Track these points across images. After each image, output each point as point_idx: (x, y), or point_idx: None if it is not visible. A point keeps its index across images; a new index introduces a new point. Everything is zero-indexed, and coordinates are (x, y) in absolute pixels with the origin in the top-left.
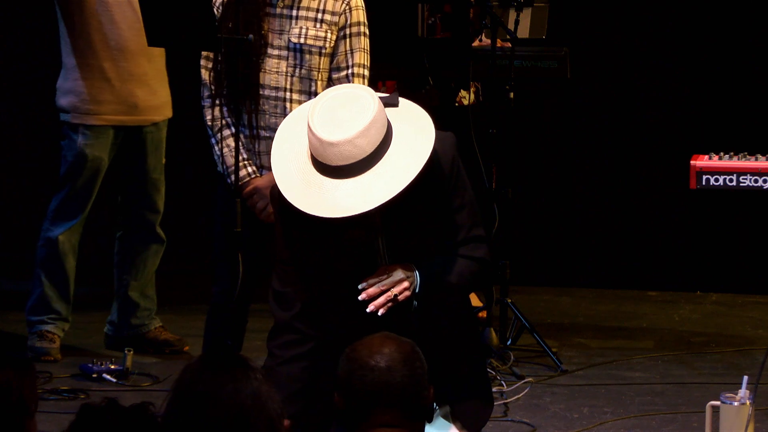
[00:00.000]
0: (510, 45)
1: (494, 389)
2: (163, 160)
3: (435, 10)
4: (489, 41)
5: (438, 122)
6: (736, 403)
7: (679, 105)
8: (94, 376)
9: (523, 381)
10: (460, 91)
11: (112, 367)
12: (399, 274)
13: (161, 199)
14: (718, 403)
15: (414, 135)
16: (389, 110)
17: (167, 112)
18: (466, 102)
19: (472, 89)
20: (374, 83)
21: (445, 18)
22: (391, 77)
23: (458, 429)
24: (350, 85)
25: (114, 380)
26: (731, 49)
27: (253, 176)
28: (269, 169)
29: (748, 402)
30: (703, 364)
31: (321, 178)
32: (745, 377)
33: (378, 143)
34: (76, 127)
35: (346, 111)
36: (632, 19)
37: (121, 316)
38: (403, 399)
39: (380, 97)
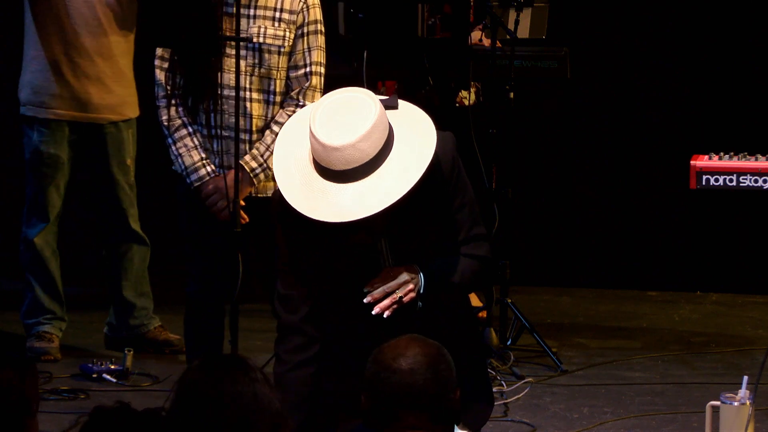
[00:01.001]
0: (500, 45)
1: (494, 389)
2: (128, 161)
3: (435, 11)
4: (489, 41)
5: (438, 122)
6: (736, 403)
7: (679, 105)
8: (94, 376)
9: (523, 381)
10: (460, 91)
11: (112, 367)
12: (404, 276)
13: (129, 200)
14: (718, 403)
15: (415, 137)
16: (389, 113)
17: (128, 112)
18: (466, 102)
19: (472, 89)
20: (374, 83)
21: (444, 18)
22: (391, 77)
23: (458, 428)
24: (351, 88)
25: (114, 380)
26: (731, 49)
27: (212, 176)
28: (228, 168)
29: (748, 402)
30: (703, 364)
31: (324, 183)
32: (745, 377)
33: (381, 146)
34: (31, 123)
35: (348, 115)
36: (632, 19)
37: (119, 317)
38: (426, 402)
39: (380, 100)
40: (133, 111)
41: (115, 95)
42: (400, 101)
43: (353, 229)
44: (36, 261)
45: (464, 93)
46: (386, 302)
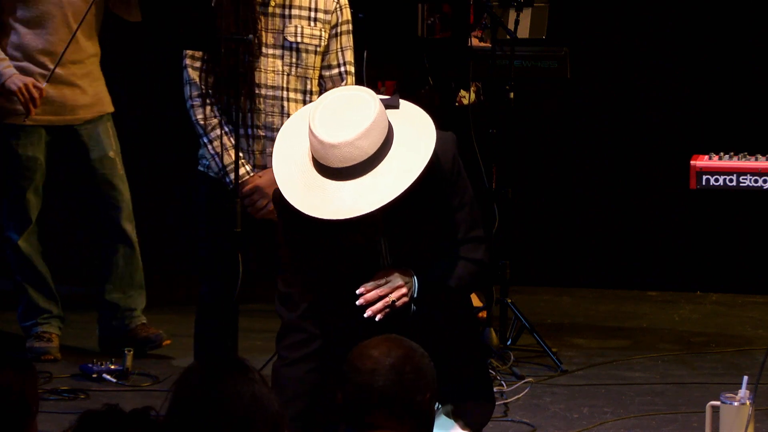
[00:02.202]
0: (489, 43)
1: (494, 389)
2: (111, 154)
3: (434, 10)
4: (487, 43)
5: (438, 122)
6: (736, 403)
7: (679, 105)
8: (94, 376)
9: (523, 381)
10: (459, 91)
11: (112, 367)
12: (397, 279)
13: (118, 194)
14: (718, 403)
15: (415, 136)
16: (390, 112)
17: (102, 108)
18: (466, 102)
19: (472, 89)
20: (374, 83)
21: (443, 18)
22: (391, 77)
23: (460, 428)
24: (351, 87)
25: (114, 380)
26: (731, 49)
27: (251, 175)
28: (261, 167)
29: (748, 402)
30: (703, 364)
31: (323, 181)
32: (745, 377)
33: (379, 145)
34: (6, 129)
35: (348, 112)
36: (632, 19)
37: (101, 319)
38: (388, 403)
39: (381, 99)
40: (108, 106)
41: (89, 95)
42: (401, 101)
43: (352, 228)
44: (24, 263)
45: (463, 93)
46: (378, 306)
